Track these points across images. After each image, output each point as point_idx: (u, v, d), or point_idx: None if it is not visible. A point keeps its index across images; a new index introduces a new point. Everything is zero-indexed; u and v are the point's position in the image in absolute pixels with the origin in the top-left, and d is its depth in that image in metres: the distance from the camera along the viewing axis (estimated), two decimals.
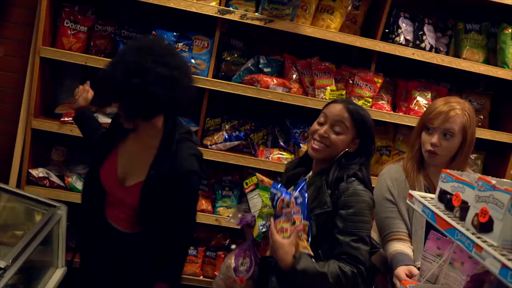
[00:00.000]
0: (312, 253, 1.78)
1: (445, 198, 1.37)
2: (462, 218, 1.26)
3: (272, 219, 1.87)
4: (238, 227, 2.15)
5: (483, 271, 1.64)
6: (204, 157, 2.92)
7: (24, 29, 2.94)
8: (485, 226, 1.15)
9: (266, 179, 2.12)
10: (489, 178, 1.19)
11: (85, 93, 2.33)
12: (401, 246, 2.07)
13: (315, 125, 1.98)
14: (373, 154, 2.04)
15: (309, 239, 1.81)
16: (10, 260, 2.06)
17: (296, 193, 1.84)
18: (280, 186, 1.91)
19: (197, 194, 2.18)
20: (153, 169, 1.99)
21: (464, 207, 1.26)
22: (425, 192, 2.06)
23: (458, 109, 2.06)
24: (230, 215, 2.09)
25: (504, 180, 1.27)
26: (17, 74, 2.99)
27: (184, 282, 3.07)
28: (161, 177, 1.98)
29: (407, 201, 1.56)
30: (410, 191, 1.53)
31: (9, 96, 3.01)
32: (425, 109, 3.01)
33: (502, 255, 1.06)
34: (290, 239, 1.77)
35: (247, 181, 2.11)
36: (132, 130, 2.03)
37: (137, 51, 1.86)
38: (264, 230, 1.92)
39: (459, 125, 2.05)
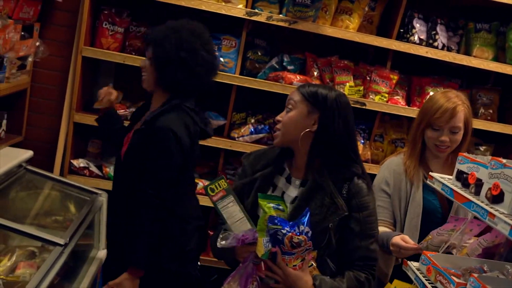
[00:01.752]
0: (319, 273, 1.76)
1: (461, 177, 1.60)
2: (477, 193, 1.48)
3: (278, 251, 1.69)
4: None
5: (493, 245, 1.86)
6: (232, 149, 3.20)
7: (67, 30, 3.17)
8: (497, 198, 1.37)
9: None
10: (500, 158, 1.41)
11: (108, 95, 2.46)
12: (385, 229, 2.18)
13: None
14: (350, 138, 1.85)
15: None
16: (68, 238, 2.29)
17: (306, 228, 1.67)
18: (279, 220, 1.68)
19: (170, 156, 2.13)
20: (141, 123, 2.24)
21: (479, 183, 1.48)
22: (426, 185, 2.11)
23: (460, 104, 2.15)
24: (220, 237, 1.73)
25: None
26: (60, 72, 3.22)
27: None
28: (143, 130, 2.18)
29: (428, 182, 1.77)
30: (431, 173, 1.75)
31: (53, 93, 3.25)
32: None
33: (511, 219, 1.28)
34: (304, 270, 1.72)
35: (212, 186, 1.77)
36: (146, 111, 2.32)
37: (191, 32, 2.18)
38: (269, 247, 1.70)
39: (463, 119, 2.16)
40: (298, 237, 1.65)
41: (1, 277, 2.35)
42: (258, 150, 2.04)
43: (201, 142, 3.10)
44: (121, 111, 3.09)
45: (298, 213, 1.75)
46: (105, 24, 3.09)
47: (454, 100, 2.16)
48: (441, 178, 1.68)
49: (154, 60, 2.19)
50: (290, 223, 1.68)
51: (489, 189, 1.40)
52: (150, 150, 2.14)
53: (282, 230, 1.65)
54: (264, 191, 1.86)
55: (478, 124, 3.32)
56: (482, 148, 3.54)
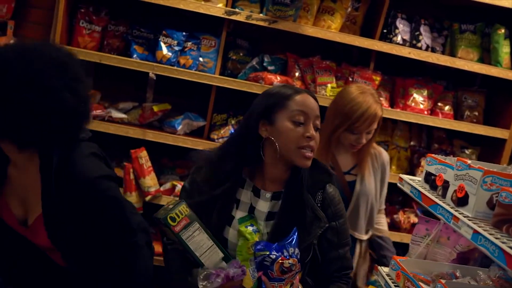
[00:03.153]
0: None
1: (429, 179, 1.54)
2: (444, 195, 1.43)
3: (265, 279, 1.51)
4: None
5: (468, 250, 1.81)
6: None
7: (42, 28, 3.11)
8: (462, 200, 1.31)
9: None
10: (465, 159, 1.35)
11: None
12: None
13: (291, 130, 1.61)
14: None
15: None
16: None
17: (296, 250, 1.54)
18: (264, 244, 1.52)
19: (119, 203, 1.61)
20: (45, 197, 1.55)
21: (446, 185, 1.42)
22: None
23: (378, 108, 2.22)
24: (201, 278, 1.51)
25: (479, 161, 1.43)
26: None
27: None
28: (60, 201, 1.53)
29: (398, 184, 1.72)
30: (400, 175, 1.70)
31: None
32: (421, 106, 3.20)
33: (474, 223, 1.22)
34: None
35: (173, 215, 1.53)
36: (5, 164, 1.60)
37: (46, 60, 1.44)
38: (256, 276, 1.54)
39: (378, 119, 2.26)
40: (288, 261, 1.50)
41: None
42: (208, 161, 1.77)
43: (179, 144, 3.07)
44: (98, 111, 3.03)
45: (279, 231, 1.59)
46: (82, 23, 3.03)
47: (373, 105, 2.21)
48: (411, 180, 1.62)
49: None
50: (276, 245, 1.51)
51: (455, 191, 1.35)
52: (95, 217, 1.60)
53: (271, 256, 1.49)
54: (228, 209, 1.66)
55: (464, 127, 3.28)
56: (468, 151, 3.49)
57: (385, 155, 2.47)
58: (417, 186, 1.55)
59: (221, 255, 1.57)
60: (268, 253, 1.48)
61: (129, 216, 1.62)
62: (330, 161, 2.31)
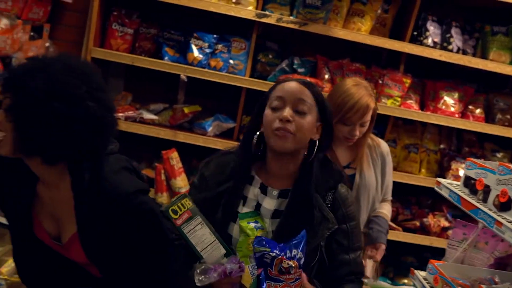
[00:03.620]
0: None
1: (469, 183, 1.53)
2: (485, 200, 1.42)
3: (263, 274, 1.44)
4: None
5: (506, 255, 1.79)
6: None
7: (76, 31, 3.17)
8: (504, 205, 1.31)
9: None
10: (508, 164, 1.34)
11: None
12: None
13: (268, 115, 1.55)
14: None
15: None
16: None
17: (300, 253, 1.44)
18: (267, 241, 1.45)
19: (154, 217, 1.59)
20: (80, 215, 1.54)
21: (487, 190, 1.42)
22: None
23: (370, 100, 2.19)
24: (197, 271, 1.46)
25: None
26: None
27: None
28: (96, 219, 1.53)
29: (435, 188, 1.71)
30: (438, 179, 1.69)
31: None
32: (452, 108, 3.17)
33: None
34: None
35: (175, 208, 1.49)
36: (33, 181, 1.59)
37: (69, 70, 1.44)
38: (256, 273, 1.46)
39: (371, 111, 2.23)
40: (288, 262, 1.40)
41: (5, 277, 2.36)
42: (217, 156, 1.71)
43: (210, 145, 3.10)
44: (129, 113, 3.08)
45: (284, 230, 1.54)
46: (115, 25, 3.08)
47: (365, 97, 2.19)
48: (449, 184, 1.61)
49: (11, 113, 1.42)
50: (281, 245, 1.44)
51: (497, 196, 1.34)
52: (130, 236, 1.60)
53: (271, 253, 1.40)
54: (234, 206, 1.61)
55: (495, 130, 3.24)
56: (499, 155, 3.45)
57: (384, 145, 2.44)
58: (456, 190, 1.55)
59: (223, 251, 1.52)
60: (269, 250, 1.40)
61: (164, 228, 1.60)
62: (328, 155, 2.29)
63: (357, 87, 2.23)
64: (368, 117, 2.23)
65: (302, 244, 1.44)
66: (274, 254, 1.39)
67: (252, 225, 1.53)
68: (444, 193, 1.63)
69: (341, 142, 2.29)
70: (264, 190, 1.62)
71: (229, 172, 1.63)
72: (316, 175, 1.60)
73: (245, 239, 1.52)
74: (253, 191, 1.63)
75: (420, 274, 1.70)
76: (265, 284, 1.41)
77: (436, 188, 1.70)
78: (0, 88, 1.47)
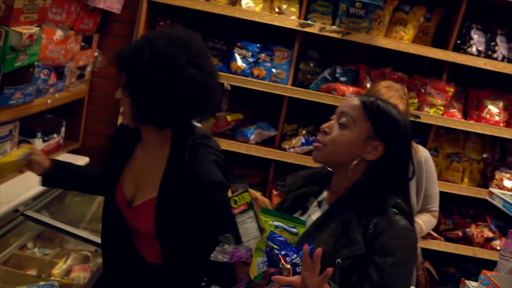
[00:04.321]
0: None
1: None
2: None
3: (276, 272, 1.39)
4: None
5: None
6: (283, 160, 3.19)
7: (124, 41, 3.26)
8: None
9: (260, 197, 1.74)
10: None
11: (36, 163, 1.88)
12: None
13: None
14: (412, 177, 1.53)
15: None
16: None
17: (297, 259, 1.37)
18: (280, 241, 1.42)
19: (227, 210, 1.61)
20: (165, 183, 1.66)
21: None
22: None
23: (399, 102, 2.16)
24: (217, 249, 1.49)
25: None
26: (116, 82, 3.31)
27: None
28: (176, 193, 1.64)
29: (488, 198, 1.71)
30: (491, 189, 1.69)
31: (108, 101, 3.34)
32: (496, 117, 3.14)
33: None
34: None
35: (236, 198, 1.58)
36: (136, 142, 1.77)
37: (170, 41, 1.57)
38: (265, 269, 1.44)
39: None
40: (284, 263, 1.36)
41: (57, 279, 2.43)
42: (306, 170, 1.72)
43: (252, 153, 3.14)
44: None
45: (306, 238, 1.47)
46: None
47: (394, 98, 2.17)
48: (502, 194, 1.61)
49: (127, 89, 1.60)
50: (291, 247, 1.40)
51: None
52: (202, 217, 1.67)
53: (276, 251, 1.38)
54: (291, 212, 1.59)
55: None
56: None
57: (422, 152, 2.39)
58: (510, 201, 1.54)
59: None
60: (277, 248, 1.39)
61: (231, 225, 1.62)
62: None
63: (387, 89, 2.26)
64: None
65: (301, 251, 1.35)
66: (277, 252, 1.39)
67: (277, 223, 1.50)
68: (497, 203, 1.62)
69: None
70: (320, 204, 1.60)
71: (302, 183, 1.63)
72: (363, 198, 1.45)
73: (263, 234, 1.52)
74: (312, 203, 1.61)
75: (472, 284, 1.69)
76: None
77: (488, 198, 1.70)
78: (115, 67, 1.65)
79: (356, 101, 1.50)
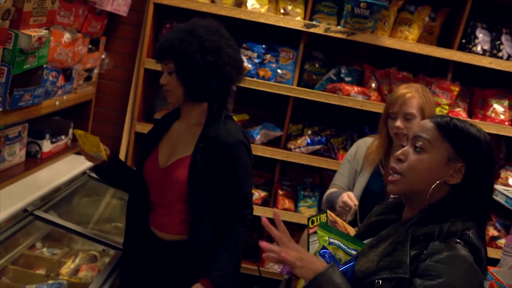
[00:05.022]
0: None
1: None
2: None
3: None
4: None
5: None
6: (288, 160, 3.21)
7: (130, 43, 3.30)
8: None
9: (339, 221, 1.72)
10: None
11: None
12: (334, 189, 2.41)
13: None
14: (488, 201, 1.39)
15: None
16: None
17: None
18: (329, 256, 1.40)
19: (249, 170, 2.02)
20: (201, 141, 1.97)
21: None
22: (380, 168, 2.35)
23: (413, 91, 2.22)
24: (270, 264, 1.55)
25: None
26: (123, 84, 3.36)
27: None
28: (209, 149, 1.94)
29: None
30: (495, 186, 1.69)
31: (115, 103, 3.38)
32: (501, 116, 3.15)
33: None
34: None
35: (314, 218, 1.62)
36: (175, 120, 2.11)
37: (207, 30, 1.93)
38: None
39: (417, 106, 2.21)
40: None
41: (66, 278, 2.46)
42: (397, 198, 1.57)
43: (258, 153, 3.17)
44: None
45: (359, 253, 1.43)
46: None
47: (409, 89, 2.25)
48: (505, 190, 1.62)
49: (180, 73, 1.93)
50: (338, 264, 1.38)
51: None
52: (228, 169, 1.96)
53: None
54: (361, 238, 1.52)
55: None
56: None
57: None
58: None
59: None
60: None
61: (249, 192, 2.04)
62: (382, 160, 2.36)
63: (406, 85, 2.33)
64: (411, 109, 2.20)
65: (346, 271, 1.33)
66: None
67: (333, 240, 1.46)
68: (500, 199, 1.63)
69: (397, 145, 2.28)
70: None
71: (386, 207, 1.55)
72: (426, 222, 1.33)
73: (316, 249, 1.50)
74: None
75: None
76: None
77: (496, 198, 1.71)
78: (157, 58, 2.03)
79: (428, 123, 1.39)
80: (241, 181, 2.00)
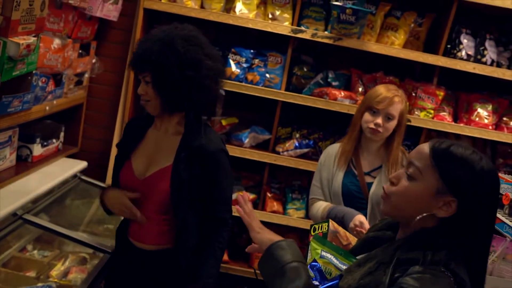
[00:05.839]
0: None
1: None
2: (511, 214, 1.48)
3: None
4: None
5: None
6: (277, 163, 3.26)
7: (121, 47, 3.34)
8: None
9: (341, 230, 1.71)
10: None
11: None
12: (327, 203, 2.40)
13: None
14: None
15: None
16: None
17: None
18: (318, 268, 1.42)
19: (230, 175, 2.06)
20: (182, 151, 1.95)
21: None
22: (352, 168, 2.40)
23: (399, 96, 2.34)
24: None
25: None
26: (114, 87, 3.40)
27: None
28: (191, 158, 1.93)
29: None
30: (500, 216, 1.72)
31: (106, 106, 3.43)
32: (485, 120, 3.20)
33: None
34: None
35: (316, 226, 1.67)
36: (148, 127, 2.07)
37: (186, 41, 1.86)
38: None
39: (399, 110, 2.32)
40: None
41: (55, 280, 2.50)
42: None
43: (246, 156, 3.22)
44: None
45: (345, 276, 1.38)
46: None
47: (395, 92, 2.34)
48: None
49: (157, 86, 1.89)
50: (325, 280, 1.38)
51: None
52: (211, 176, 1.98)
53: (311, 279, 1.35)
54: (356, 253, 1.51)
55: None
56: None
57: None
58: None
59: None
60: (313, 276, 1.38)
61: (230, 196, 2.05)
62: (353, 157, 2.42)
63: (385, 86, 2.41)
64: (394, 111, 2.31)
65: (327, 286, 1.34)
66: (312, 280, 1.36)
67: (326, 254, 1.46)
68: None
69: (368, 142, 2.39)
70: None
71: (386, 224, 1.51)
72: (414, 247, 1.27)
73: (310, 258, 1.50)
74: None
75: None
76: None
77: None
78: (134, 69, 1.97)
79: (426, 147, 1.30)
80: (224, 187, 2.04)
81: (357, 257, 1.45)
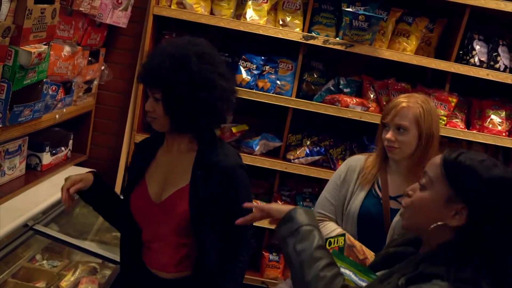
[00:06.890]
0: None
1: None
2: None
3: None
4: None
5: None
6: (288, 170, 3.22)
7: (130, 54, 3.31)
8: None
9: (358, 244, 1.69)
10: None
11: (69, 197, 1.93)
12: (340, 229, 2.09)
13: None
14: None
15: None
16: None
17: None
18: None
19: (250, 191, 1.92)
20: (198, 169, 1.84)
21: None
22: (377, 189, 2.10)
23: (410, 101, 2.01)
24: (284, 280, 1.54)
25: None
26: (123, 94, 3.37)
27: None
28: (208, 176, 1.82)
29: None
30: None
31: (115, 114, 3.40)
32: (499, 127, 3.16)
33: None
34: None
35: (332, 239, 1.64)
36: (158, 147, 1.95)
37: (199, 59, 1.74)
38: None
39: (411, 118, 1.99)
40: None
41: None
42: None
43: (257, 164, 3.18)
44: None
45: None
46: None
47: (407, 99, 2.04)
48: None
49: (167, 105, 1.78)
50: None
51: None
52: (230, 194, 1.85)
53: None
54: (375, 269, 1.49)
55: None
56: None
57: None
58: None
59: None
60: None
61: (251, 198, 1.91)
62: (380, 176, 2.12)
63: (407, 94, 2.13)
64: (403, 121, 1.99)
65: None
66: None
67: (346, 271, 1.42)
68: None
69: (393, 162, 2.10)
70: None
71: (411, 240, 1.48)
72: (435, 263, 1.24)
73: None
74: None
75: None
76: None
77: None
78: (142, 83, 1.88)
79: (438, 158, 1.31)
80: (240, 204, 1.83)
81: (377, 273, 1.43)
